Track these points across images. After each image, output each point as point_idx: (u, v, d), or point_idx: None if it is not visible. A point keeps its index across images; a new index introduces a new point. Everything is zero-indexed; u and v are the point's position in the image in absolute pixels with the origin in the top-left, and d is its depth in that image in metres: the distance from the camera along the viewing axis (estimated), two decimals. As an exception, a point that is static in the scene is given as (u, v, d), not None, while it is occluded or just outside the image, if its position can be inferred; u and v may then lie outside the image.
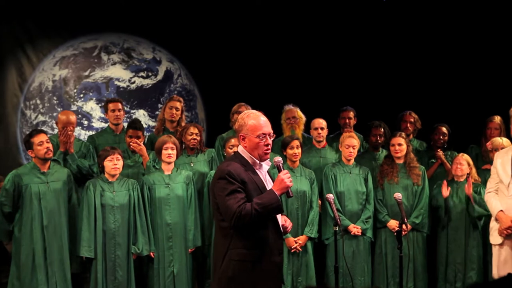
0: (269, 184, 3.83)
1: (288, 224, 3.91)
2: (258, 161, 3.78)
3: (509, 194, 5.24)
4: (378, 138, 6.75)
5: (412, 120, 7.00)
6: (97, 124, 8.22)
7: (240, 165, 3.74)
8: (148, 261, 5.99)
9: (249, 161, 3.78)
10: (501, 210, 5.27)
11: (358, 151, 6.61)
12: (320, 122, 6.68)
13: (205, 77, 8.74)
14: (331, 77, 8.63)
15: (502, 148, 5.76)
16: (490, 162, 5.87)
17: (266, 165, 3.86)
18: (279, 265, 3.82)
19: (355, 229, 6.19)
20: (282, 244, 3.88)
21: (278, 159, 3.83)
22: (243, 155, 3.80)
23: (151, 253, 5.92)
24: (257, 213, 3.60)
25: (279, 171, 3.76)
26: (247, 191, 3.68)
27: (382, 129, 6.75)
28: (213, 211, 3.90)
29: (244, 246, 3.69)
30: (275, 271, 3.77)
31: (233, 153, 3.99)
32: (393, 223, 6.16)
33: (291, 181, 3.68)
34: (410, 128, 6.97)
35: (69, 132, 6.03)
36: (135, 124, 6.43)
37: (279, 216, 3.84)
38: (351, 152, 6.27)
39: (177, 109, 6.67)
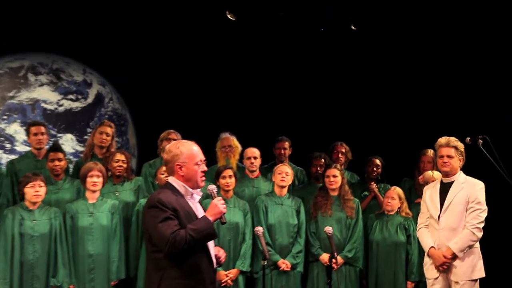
0: (201, 214, 3.95)
1: (222, 254, 4.04)
2: (190, 190, 3.93)
3: (440, 228, 5.45)
4: (319, 169, 6.92)
5: (343, 150, 7.18)
6: (21, 148, 8.10)
7: (171, 194, 3.87)
8: (67, 294, 5.97)
9: (181, 191, 3.92)
10: (432, 246, 5.48)
11: (293, 183, 6.77)
12: (253, 152, 6.81)
13: (137, 102, 8.78)
14: (266, 107, 8.78)
15: (433, 182, 6.01)
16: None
17: (197, 196, 4.01)
18: None
19: (284, 264, 6.27)
20: (214, 274, 3.99)
21: (212, 187, 4.02)
22: (174, 184, 3.94)
23: (71, 286, 5.90)
24: (192, 239, 3.73)
25: (213, 198, 3.93)
26: (180, 219, 3.79)
27: (323, 160, 6.95)
28: (145, 243, 4.00)
29: (178, 276, 3.80)
30: None
31: (165, 183, 4.11)
32: (325, 257, 6.26)
33: (225, 207, 3.86)
34: (341, 159, 7.14)
35: None
36: (55, 146, 6.45)
37: (211, 246, 3.96)
38: (283, 177, 6.38)
39: (107, 134, 6.72)
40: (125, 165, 6.43)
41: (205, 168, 3.96)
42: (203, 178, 3.97)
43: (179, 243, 3.71)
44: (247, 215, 6.35)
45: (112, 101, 8.77)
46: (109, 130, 6.75)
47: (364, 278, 6.61)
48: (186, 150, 3.92)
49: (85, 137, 8.31)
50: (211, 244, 3.95)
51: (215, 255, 3.99)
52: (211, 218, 3.81)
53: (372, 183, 6.99)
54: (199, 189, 4.00)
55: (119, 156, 6.43)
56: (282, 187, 6.47)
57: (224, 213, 3.86)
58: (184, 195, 3.93)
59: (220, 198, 3.90)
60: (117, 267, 6.05)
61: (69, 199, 6.28)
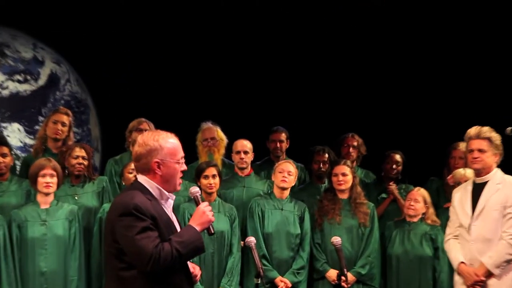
0: (175, 222, 3.89)
1: (198, 272, 4.00)
2: (166, 194, 3.85)
3: (471, 239, 5.37)
4: (322, 166, 6.91)
5: (355, 143, 7.17)
6: (-43, 141, 8.09)
7: (144, 197, 3.78)
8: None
9: (154, 193, 3.83)
10: (462, 262, 5.41)
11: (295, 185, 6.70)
12: (244, 145, 6.74)
13: (101, 84, 8.79)
14: (257, 91, 8.77)
15: (465, 182, 5.90)
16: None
17: (171, 200, 3.92)
18: None
19: (282, 283, 6.22)
20: None
21: (195, 189, 3.99)
22: (146, 185, 3.83)
23: (19, 312, 5.85)
24: (179, 254, 3.67)
25: (197, 203, 3.87)
26: (159, 229, 3.72)
27: (327, 155, 6.92)
28: (106, 258, 3.86)
29: None
30: None
31: (131, 183, 4.03)
32: (333, 274, 6.20)
33: (213, 215, 3.83)
34: (353, 154, 7.13)
35: None
36: None
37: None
38: (285, 177, 6.34)
39: (63, 124, 6.68)
40: (85, 162, 6.37)
41: (185, 167, 3.91)
42: (181, 181, 3.91)
43: (164, 259, 3.63)
44: (235, 222, 6.32)
45: (70, 83, 8.87)
46: (65, 119, 6.70)
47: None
48: (167, 144, 3.82)
49: (36, 127, 8.25)
50: None
51: (191, 273, 3.91)
52: (198, 228, 3.77)
53: (391, 183, 6.95)
54: (172, 193, 3.92)
55: (79, 151, 6.36)
56: (284, 188, 6.39)
57: (212, 222, 3.82)
58: (158, 198, 3.83)
59: (206, 203, 3.85)
60: (77, 288, 5.95)
61: (16, 204, 6.21)
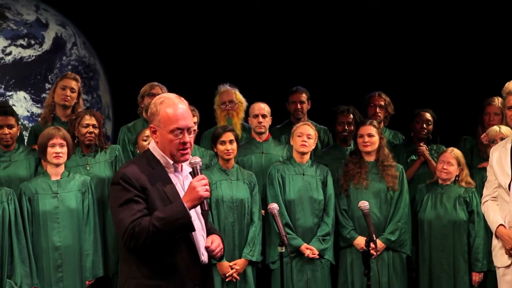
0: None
1: (216, 246, 3.95)
2: (171, 162, 3.87)
3: (511, 200, 5.33)
4: (346, 127, 6.94)
5: (382, 103, 7.19)
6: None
7: (146, 166, 3.83)
8: (29, 299, 5.88)
9: (162, 162, 3.87)
10: (502, 224, 5.40)
11: (316, 148, 6.75)
12: (261, 108, 6.76)
13: (110, 47, 8.75)
14: (276, 50, 8.72)
15: (501, 140, 5.90)
16: (488, 158, 5.99)
17: (188, 167, 3.94)
18: None
19: (308, 250, 6.27)
20: (202, 272, 3.91)
21: (195, 159, 3.89)
22: (154, 153, 3.89)
23: (34, 289, 5.85)
24: (157, 231, 3.66)
25: (194, 175, 3.84)
26: (150, 202, 3.76)
27: (351, 116, 6.93)
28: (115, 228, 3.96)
29: (144, 275, 3.78)
30: None
31: (144, 151, 4.03)
32: (361, 241, 6.23)
33: (207, 190, 3.76)
34: (380, 114, 7.15)
35: None
36: (4, 108, 6.35)
37: (199, 235, 3.90)
38: (304, 141, 6.36)
39: (72, 90, 6.69)
40: (96, 131, 6.41)
41: (187, 139, 3.85)
42: (183, 152, 3.86)
43: (139, 235, 3.66)
44: (254, 189, 6.34)
45: (77, 47, 8.83)
46: (74, 85, 6.71)
47: (414, 269, 6.58)
48: (163, 110, 3.84)
49: (43, 95, 8.29)
50: (198, 232, 3.89)
51: (206, 247, 3.91)
52: (187, 204, 3.73)
53: (421, 144, 6.96)
54: (188, 160, 3.91)
55: (89, 119, 6.39)
56: (304, 153, 6.42)
57: (205, 198, 3.76)
58: (165, 167, 3.88)
59: (202, 176, 3.80)
60: (93, 262, 6.05)
61: (26, 176, 6.26)
